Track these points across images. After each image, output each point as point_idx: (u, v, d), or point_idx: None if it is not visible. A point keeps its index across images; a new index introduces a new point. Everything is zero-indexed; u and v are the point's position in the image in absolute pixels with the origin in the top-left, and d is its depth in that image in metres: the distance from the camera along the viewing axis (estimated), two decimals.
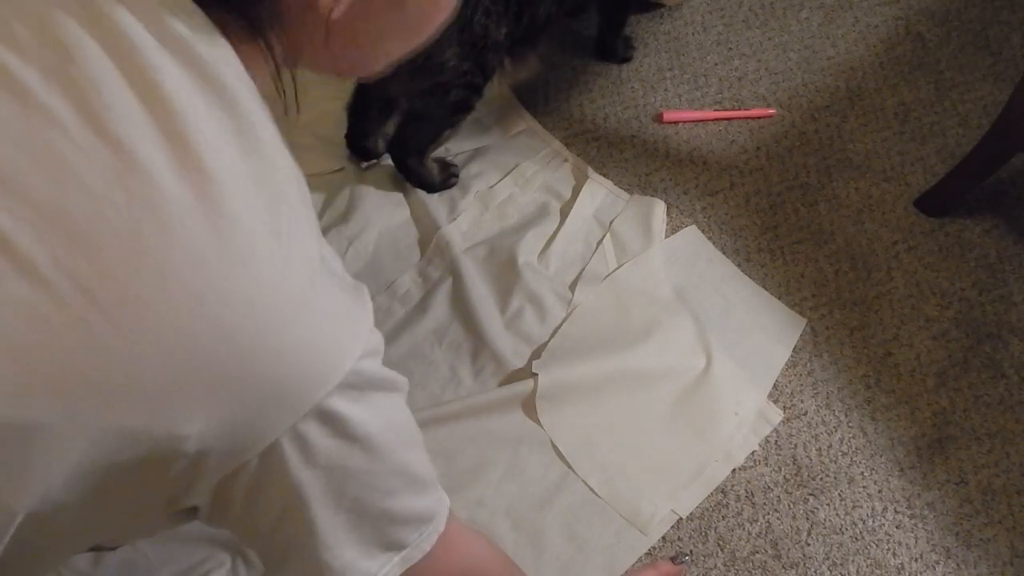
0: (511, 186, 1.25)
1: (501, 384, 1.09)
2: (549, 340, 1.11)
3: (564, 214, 1.23)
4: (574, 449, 1.04)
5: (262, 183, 0.47)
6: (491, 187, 1.25)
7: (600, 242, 1.21)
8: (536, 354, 1.10)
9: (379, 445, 0.53)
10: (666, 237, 1.22)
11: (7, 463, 0.44)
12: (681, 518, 1.02)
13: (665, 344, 1.11)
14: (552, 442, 1.04)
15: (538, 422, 1.05)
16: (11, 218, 0.42)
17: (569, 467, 1.03)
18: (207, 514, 0.52)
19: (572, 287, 1.16)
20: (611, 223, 1.22)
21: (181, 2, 0.47)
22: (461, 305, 1.14)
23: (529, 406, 1.06)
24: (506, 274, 1.17)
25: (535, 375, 1.07)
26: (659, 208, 1.24)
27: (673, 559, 0.98)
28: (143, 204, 0.43)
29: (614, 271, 1.18)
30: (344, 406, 0.50)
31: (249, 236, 0.45)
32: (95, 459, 0.45)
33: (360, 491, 0.54)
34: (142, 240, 0.43)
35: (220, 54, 0.47)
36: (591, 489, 1.02)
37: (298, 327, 0.47)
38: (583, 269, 1.18)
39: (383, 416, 0.53)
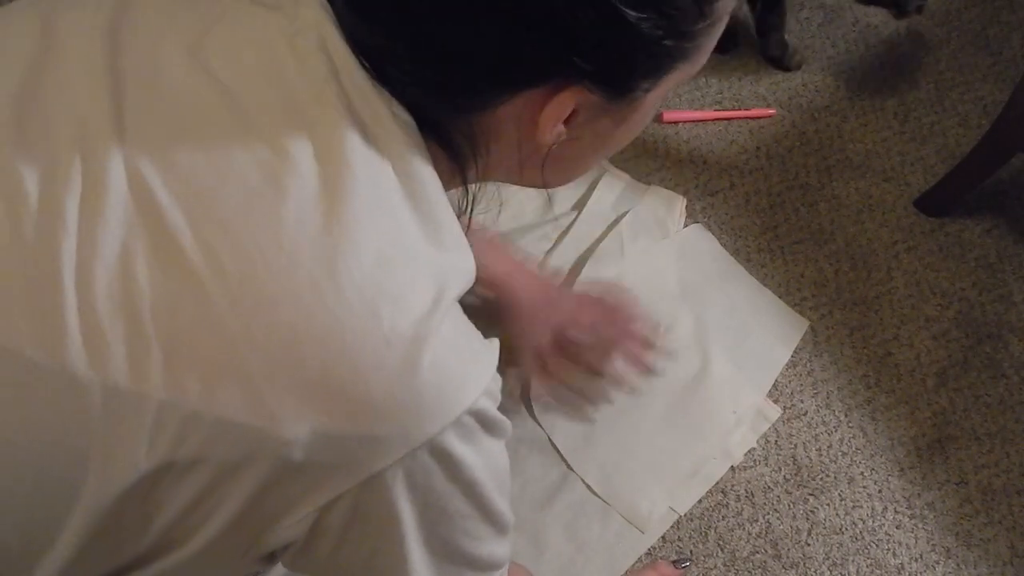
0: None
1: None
2: None
3: (580, 207, 1.22)
4: (572, 447, 1.04)
5: (418, 208, 0.50)
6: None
7: (612, 227, 1.20)
8: None
9: (481, 491, 0.53)
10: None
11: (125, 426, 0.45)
12: (680, 517, 1.02)
13: (666, 341, 1.11)
14: (550, 440, 1.04)
15: (537, 421, 1.06)
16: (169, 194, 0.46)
17: (567, 465, 1.03)
18: (299, 548, 0.51)
19: (577, 275, 1.16)
20: (625, 214, 1.21)
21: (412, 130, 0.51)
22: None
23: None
24: None
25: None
26: (678, 203, 1.23)
27: (675, 563, 0.98)
28: (290, 201, 0.46)
29: (622, 261, 1.17)
30: (458, 446, 0.49)
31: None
32: (191, 448, 0.45)
33: (451, 533, 0.53)
34: (281, 231, 0.45)
35: (424, 165, 0.51)
36: (588, 487, 1.02)
37: (423, 350, 0.46)
38: (591, 256, 1.17)
39: (491, 461, 0.53)
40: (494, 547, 0.57)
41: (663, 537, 1.01)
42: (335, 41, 0.51)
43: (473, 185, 0.60)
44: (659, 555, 1.00)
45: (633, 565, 0.99)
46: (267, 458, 0.45)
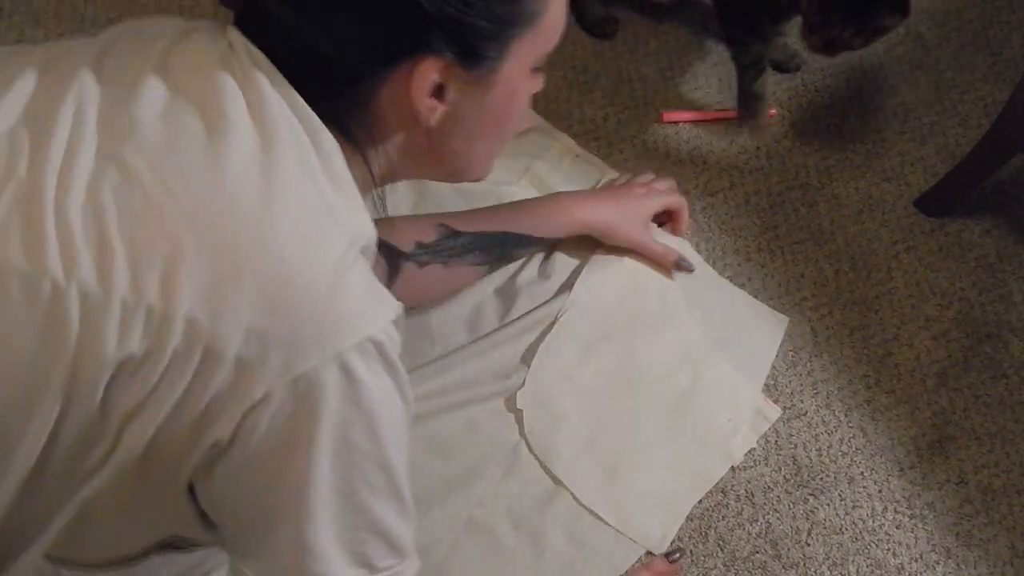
0: (528, 188, 1.24)
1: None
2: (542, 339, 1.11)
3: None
4: (564, 463, 1.03)
5: (334, 183, 0.60)
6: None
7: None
8: (526, 358, 1.10)
9: (377, 426, 0.59)
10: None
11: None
12: (679, 521, 1.02)
13: (655, 348, 1.11)
14: (537, 457, 1.04)
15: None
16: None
17: (574, 498, 1.02)
18: (213, 459, 0.58)
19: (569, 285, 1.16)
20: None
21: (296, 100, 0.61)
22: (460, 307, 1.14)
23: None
24: (509, 286, 1.16)
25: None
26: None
27: (668, 556, 0.99)
28: (232, 153, 0.57)
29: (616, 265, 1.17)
30: (360, 366, 0.57)
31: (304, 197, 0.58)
32: (134, 347, 0.54)
33: (349, 471, 0.59)
34: (226, 175, 0.57)
35: (333, 144, 0.62)
36: (600, 518, 1.01)
37: (342, 279, 0.57)
38: (588, 261, 1.18)
39: (387, 400, 0.60)
40: (392, 517, 0.63)
41: (663, 537, 1.01)
42: (241, 42, 0.63)
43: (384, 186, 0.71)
44: (659, 555, 1.00)
45: (633, 565, 0.99)
46: (205, 350, 0.55)
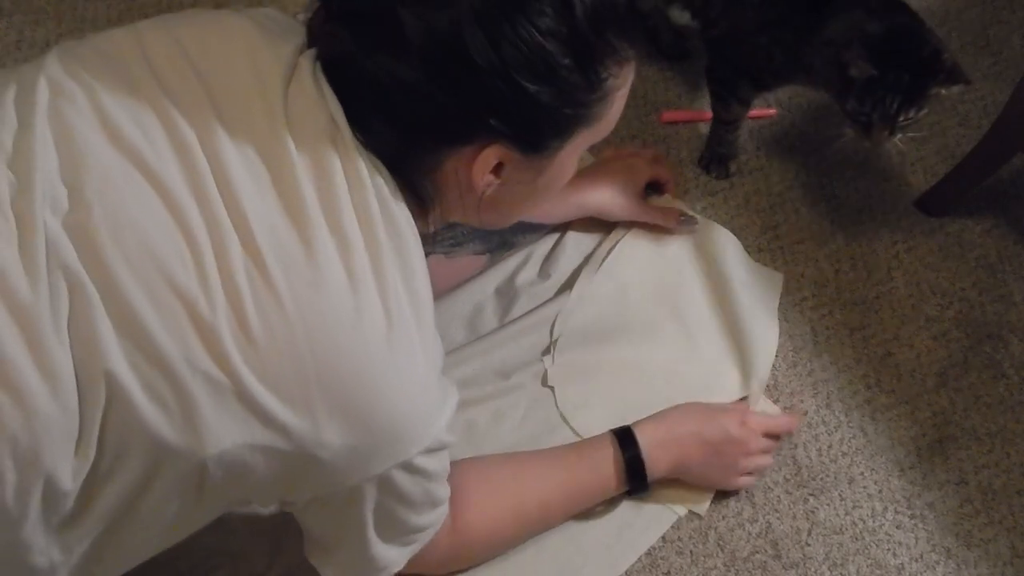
0: None
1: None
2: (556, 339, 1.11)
3: None
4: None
5: (407, 283, 0.69)
6: None
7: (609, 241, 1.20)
8: (546, 350, 1.11)
9: (432, 481, 0.75)
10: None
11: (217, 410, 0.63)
12: (680, 517, 1.02)
13: (659, 343, 1.12)
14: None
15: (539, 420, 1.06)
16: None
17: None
18: (292, 503, 0.74)
19: (571, 282, 1.16)
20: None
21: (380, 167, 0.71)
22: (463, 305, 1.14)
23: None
24: (509, 286, 1.16)
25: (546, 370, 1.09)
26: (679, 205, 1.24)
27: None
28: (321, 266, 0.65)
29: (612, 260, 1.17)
30: (423, 460, 0.71)
31: (392, 319, 0.67)
32: (255, 439, 0.64)
33: (399, 509, 0.74)
34: (324, 290, 0.65)
35: (403, 213, 0.71)
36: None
37: (425, 409, 0.70)
38: (588, 259, 1.18)
39: (443, 465, 0.76)
40: (429, 516, 0.78)
41: (663, 537, 1.01)
42: (343, 119, 0.69)
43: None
44: (659, 555, 1.00)
45: (633, 565, 0.99)
46: (306, 454, 0.66)
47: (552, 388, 1.08)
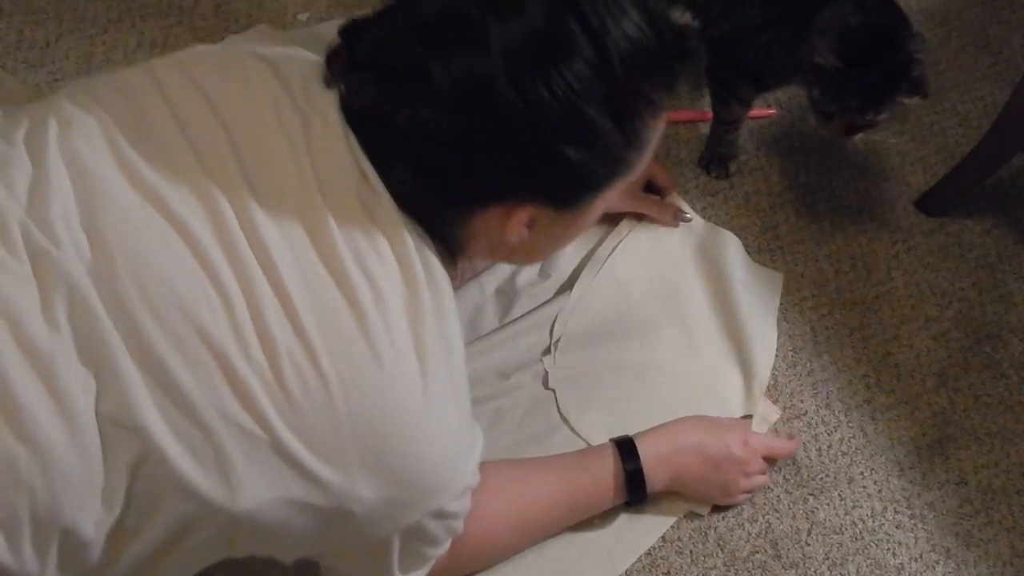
0: None
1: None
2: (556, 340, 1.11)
3: None
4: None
5: (442, 333, 0.68)
6: None
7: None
8: (546, 350, 1.11)
9: (457, 520, 0.75)
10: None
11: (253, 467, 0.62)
12: (680, 517, 1.02)
13: (659, 343, 1.12)
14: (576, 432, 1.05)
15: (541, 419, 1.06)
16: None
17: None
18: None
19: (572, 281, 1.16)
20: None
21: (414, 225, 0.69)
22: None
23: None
24: (509, 286, 1.16)
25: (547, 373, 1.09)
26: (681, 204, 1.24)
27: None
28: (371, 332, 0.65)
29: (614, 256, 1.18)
30: (453, 504, 0.72)
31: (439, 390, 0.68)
32: (291, 493, 0.63)
33: (423, 546, 0.75)
34: (383, 357, 0.64)
35: (437, 265, 0.70)
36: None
37: (456, 461, 0.70)
38: (588, 260, 1.18)
39: (467, 504, 0.75)
40: (447, 543, 0.78)
41: (663, 537, 1.01)
42: (375, 176, 0.68)
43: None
44: (659, 555, 1.00)
45: (633, 565, 0.99)
46: (341, 508, 0.65)
47: (553, 389, 1.08)
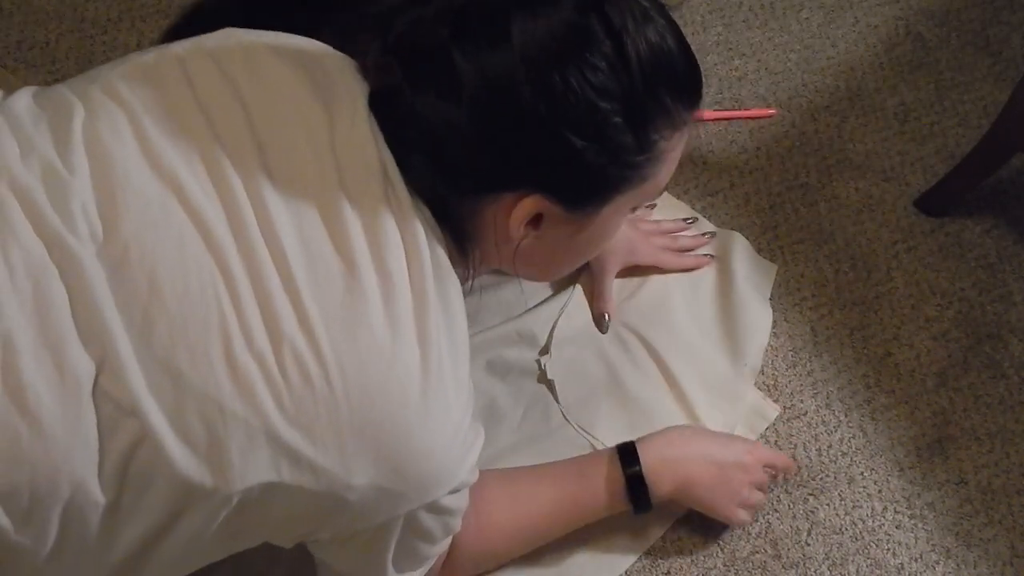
0: None
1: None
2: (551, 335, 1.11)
3: None
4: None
5: (448, 329, 0.68)
6: None
7: None
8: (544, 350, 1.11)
9: (453, 517, 0.75)
10: None
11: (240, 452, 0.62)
12: (680, 517, 1.02)
13: (658, 336, 1.12)
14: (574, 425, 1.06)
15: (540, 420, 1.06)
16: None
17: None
18: (317, 540, 0.74)
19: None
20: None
21: (432, 224, 0.70)
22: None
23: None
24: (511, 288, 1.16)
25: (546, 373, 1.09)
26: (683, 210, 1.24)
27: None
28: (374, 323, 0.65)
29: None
30: (448, 500, 0.72)
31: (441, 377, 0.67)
32: (283, 478, 0.64)
33: (417, 544, 0.75)
34: (381, 343, 0.65)
35: (445, 260, 0.70)
36: None
37: (456, 456, 0.70)
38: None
39: (465, 501, 0.75)
40: (445, 543, 0.79)
41: (663, 537, 1.01)
42: (395, 171, 0.68)
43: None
44: (659, 555, 1.00)
45: (633, 565, 0.99)
46: (335, 495, 0.65)
47: (553, 387, 1.08)
